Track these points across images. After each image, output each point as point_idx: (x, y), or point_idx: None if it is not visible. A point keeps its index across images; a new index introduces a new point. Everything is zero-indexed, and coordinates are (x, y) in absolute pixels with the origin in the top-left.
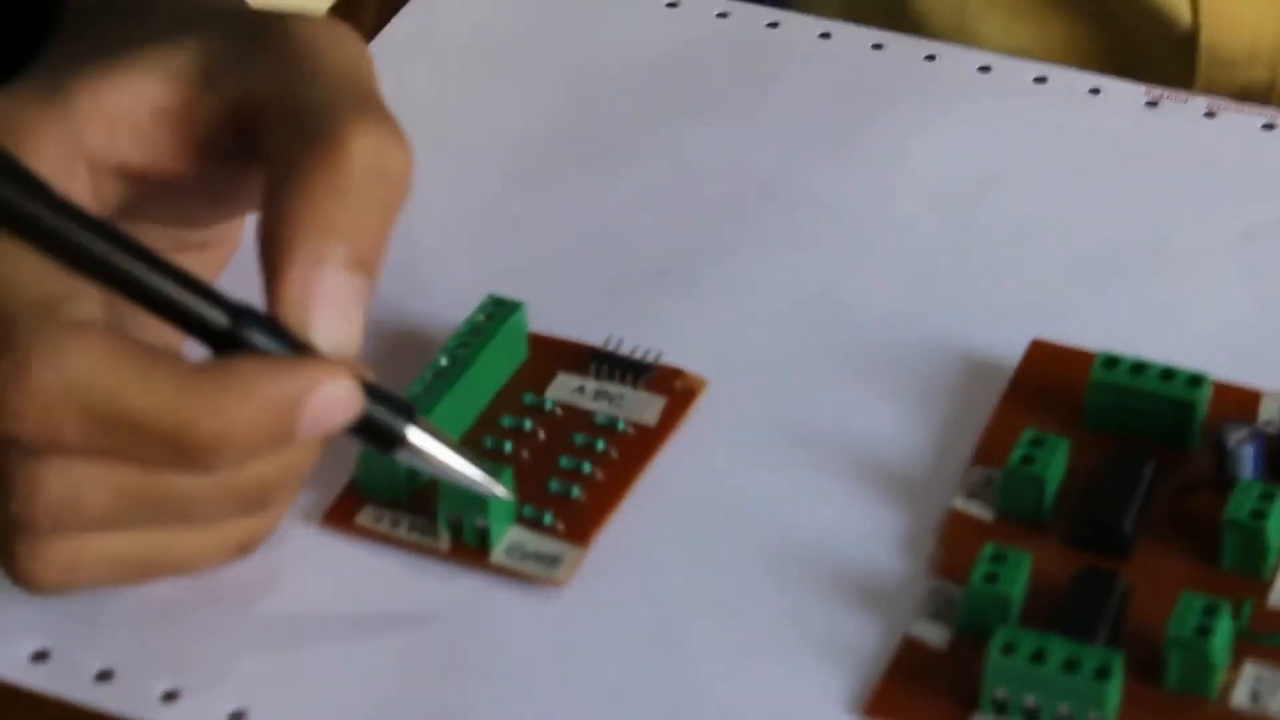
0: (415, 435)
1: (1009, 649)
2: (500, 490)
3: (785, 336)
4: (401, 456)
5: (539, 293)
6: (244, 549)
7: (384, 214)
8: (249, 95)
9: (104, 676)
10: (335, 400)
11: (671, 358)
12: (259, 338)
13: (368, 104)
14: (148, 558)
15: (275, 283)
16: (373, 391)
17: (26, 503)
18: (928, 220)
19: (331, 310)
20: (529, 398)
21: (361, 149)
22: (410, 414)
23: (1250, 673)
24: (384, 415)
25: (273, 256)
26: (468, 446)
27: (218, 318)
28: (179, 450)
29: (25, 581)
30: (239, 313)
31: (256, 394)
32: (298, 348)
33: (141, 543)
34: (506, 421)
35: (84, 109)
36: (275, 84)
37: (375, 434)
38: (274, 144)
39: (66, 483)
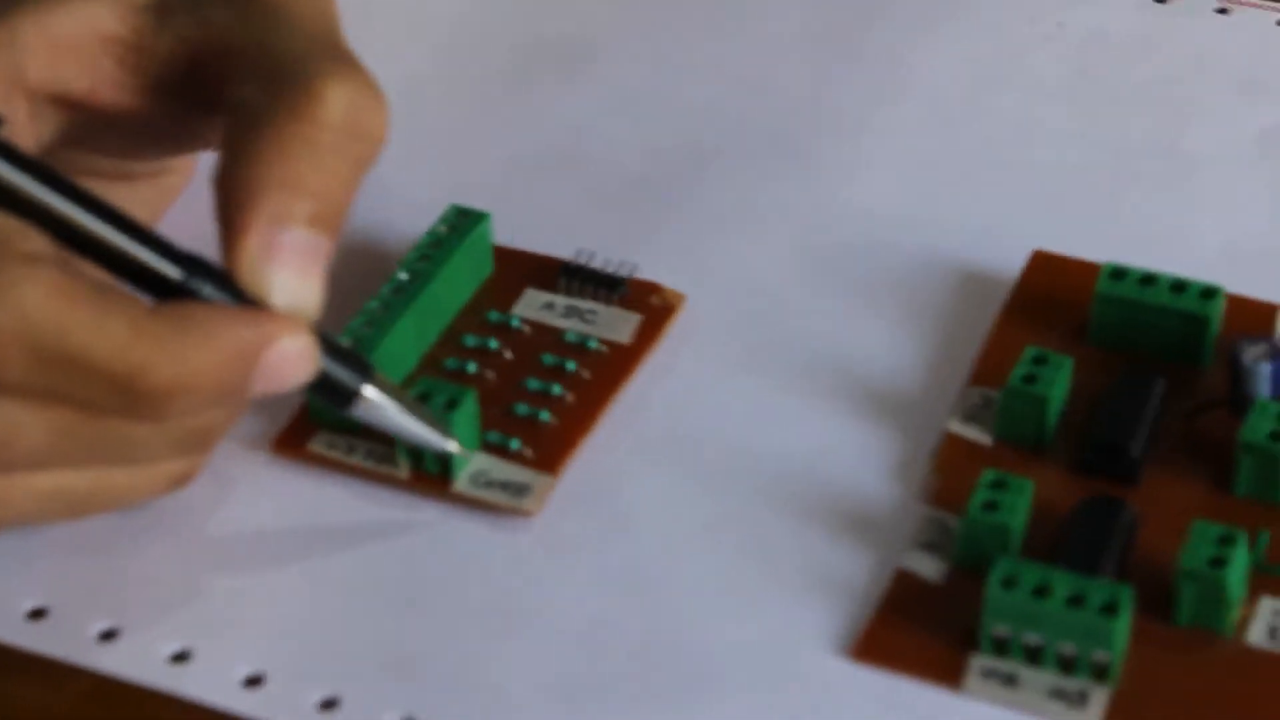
0: (371, 392)
1: (1009, 583)
2: (454, 446)
3: (769, 248)
4: (355, 413)
5: (505, 204)
6: (179, 483)
7: (354, 172)
8: (209, 37)
9: (36, 615)
10: (293, 356)
11: (647, 272)
12: (210, 292)
13: (340, 55)
14: (79, 495)
15: (234, 237)
16: (329, 345)
17: None
18: (923, 125)
19: (292, 269)
20: (494, 315)
21: (336, 102)
22: (366, 371)
23: (1268, 607)
24: (339, 372)
25: (233, 210)
26: (421, 402)
27: (169, 270)
28: (128, 397)
29: None
30: (191, 265)
31: (213, 342)
32: (250, 305)
33: (74, 480)
34: (470, 340)
35: (29, 35)
36: (241, 29)
37: (330, 391)
38: (239, 92)
39: (3, 420)
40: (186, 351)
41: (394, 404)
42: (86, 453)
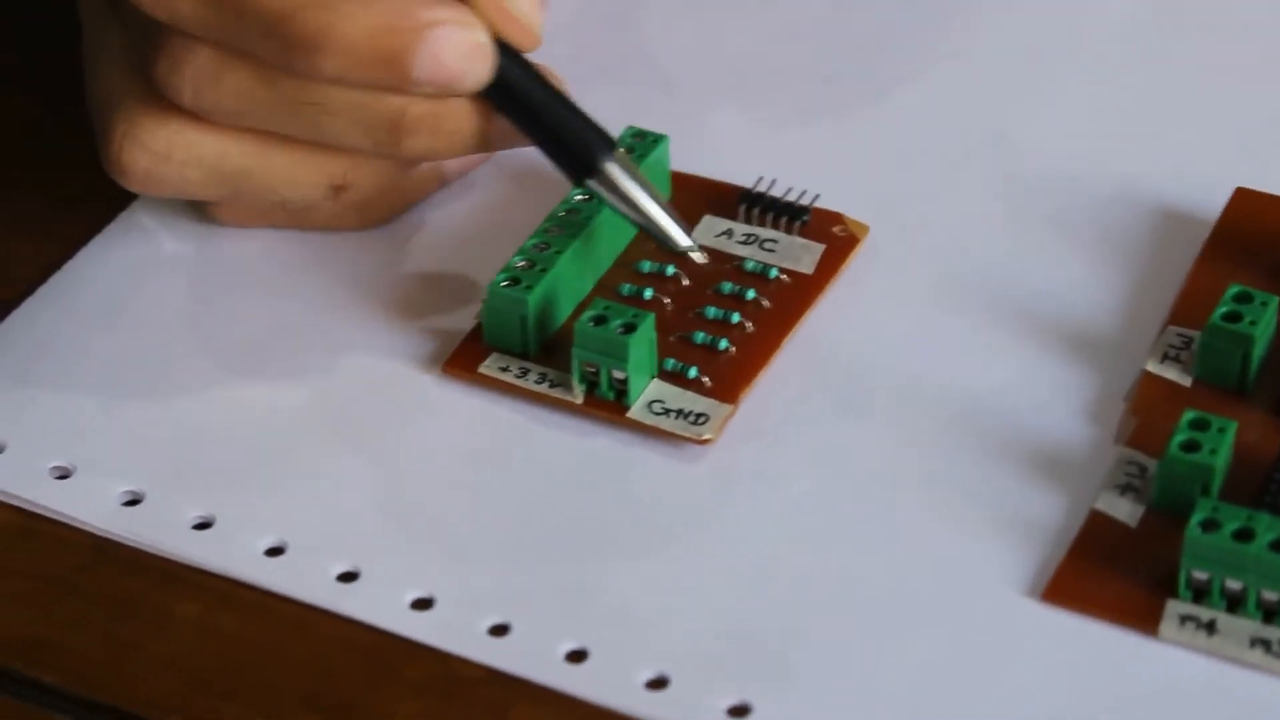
0: (613, 169)
1: (1210, 525)
2: (685, 242)
3: (957, 179)
4: (591, 185)
5: (683, 128)
6: (339, 189)
7: None
8: None
9: (201, 526)
10: (461, 44)
11: (829, 201)
12: None
13: None
14: (240, 168)
15: None
16: (571, 111)
17: (172, 69)
18: (1121, 58)
19: None
20: None
21: None
22: (611, 145)
23: None
24: (584, 135)
25: None
26: (669, 204)
27: None
28: (281, 40)
29: (117, 165)
30: None
31: (375, 5)
32: None
33: (238, 150)
34: (646, 266)
35: None
36: None
37: (570, 157)
38: None
39: (211, 58)
40: (344, 4)
41: (635, 185)
42: (279, 111)
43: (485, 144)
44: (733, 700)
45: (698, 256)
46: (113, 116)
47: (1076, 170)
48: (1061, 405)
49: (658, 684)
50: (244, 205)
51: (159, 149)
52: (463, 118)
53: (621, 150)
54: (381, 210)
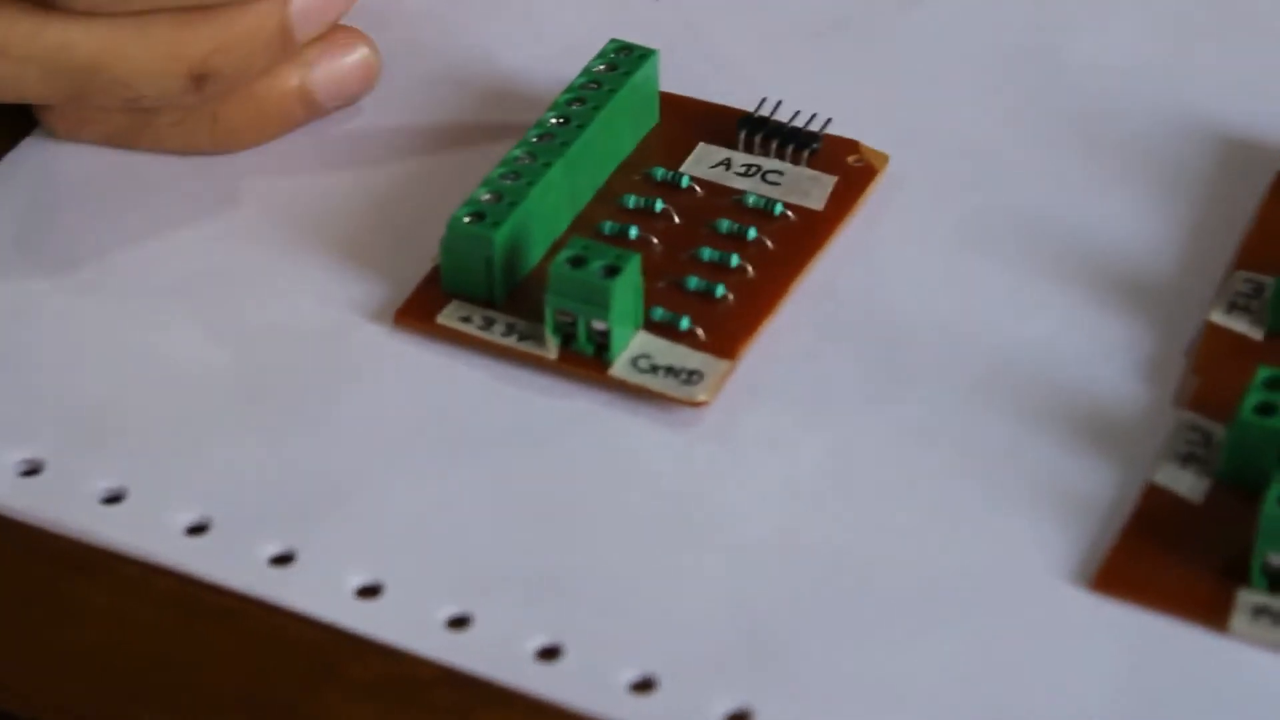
0: None
1: None
2: None
3: (988, 102)
4: None
5: (674, 42)
6: (199, 80)
7: None
8: None
9: (112, 500)
10: None
11: (843, 126)
12: None
13: None
14: (87, 60)
15: None
16: None
17: None
18: None
19: None
20: (660, 172)
21: None
22: None
23: None
24: None
25: None
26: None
27: None
28: None
29: None
30: None
31: None
32: None
33: (86, 38)
34: (631, 201)
35: None
36: None
37: None
38: None
39: None
40: None
41: None
42: None
43: None
44: (731, 705)
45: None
46: None
47: (1130, 91)
48: (1112, 362)
49: (644, 686)
50: (84, 110)
51: None
52: None
53: None
54: (239, 128)
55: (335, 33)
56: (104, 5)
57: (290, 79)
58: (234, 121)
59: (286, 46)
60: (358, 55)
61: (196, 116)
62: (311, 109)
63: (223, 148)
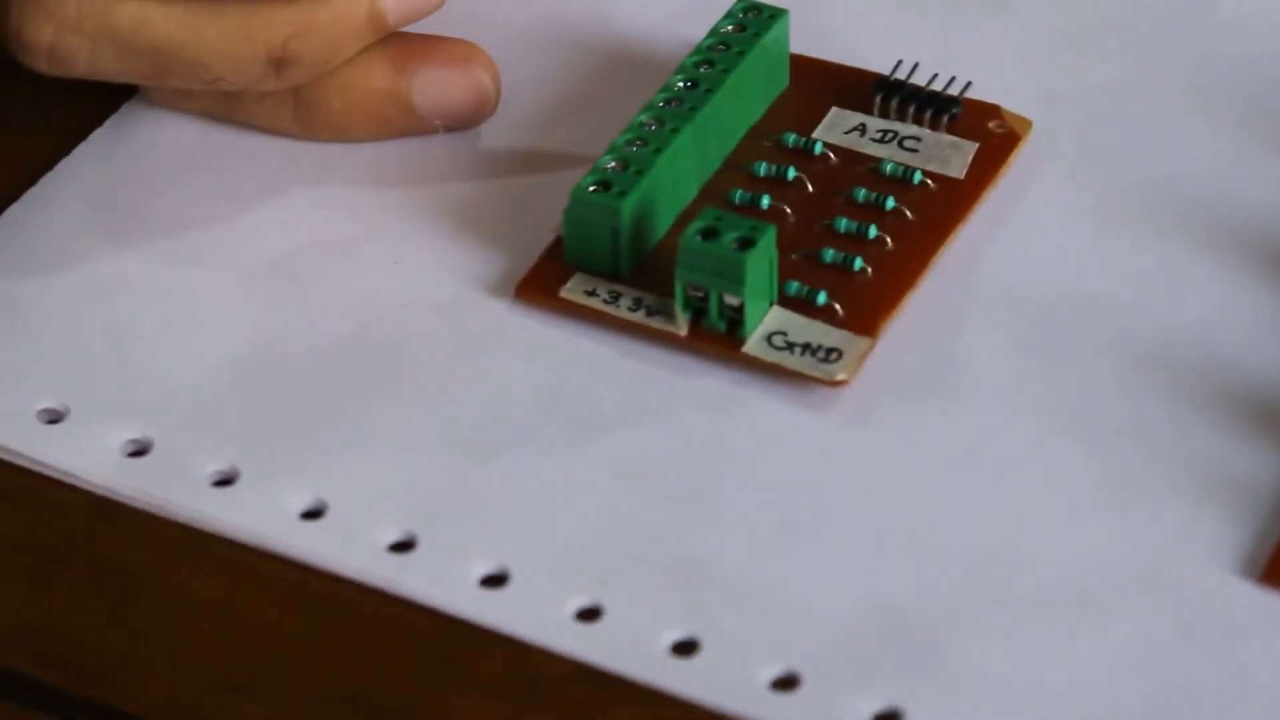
0: None
1: None
2: None
3: (1140, 62)
4: None
5: (805, 1)
6: (279, 63)
7: None
8: None
9: (222, 483)
10: None
11: (984, 90)
12: None
13: None
14: (163, 40)
15: None
16: None
17: None
18: None
19: None
20: (792, 138)
21: None
22: None
23: None
24: None
25: None
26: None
27: None
28: None
29: (17, 38)
30: None
31: None
32: None
33: (162, 16)
34: (762, 169)
35: None
36: None
37: None
38: None
39: None
40: None
41: None
42: None
43: None
44: (879, 704)
45: None
46: None
47: None
48: (1275, 340)
49: (785, 684)
50: (172, 88)
51: (67, 17)
52: None
53: None
54: (330, 119)
55: (448, 44)
56: None
57: (384, 79)
58: (323, 110)
59: (379, 32)
60: (466, 71)
61: (279, 99)
62: (409, 117)
63: (311, 135)
